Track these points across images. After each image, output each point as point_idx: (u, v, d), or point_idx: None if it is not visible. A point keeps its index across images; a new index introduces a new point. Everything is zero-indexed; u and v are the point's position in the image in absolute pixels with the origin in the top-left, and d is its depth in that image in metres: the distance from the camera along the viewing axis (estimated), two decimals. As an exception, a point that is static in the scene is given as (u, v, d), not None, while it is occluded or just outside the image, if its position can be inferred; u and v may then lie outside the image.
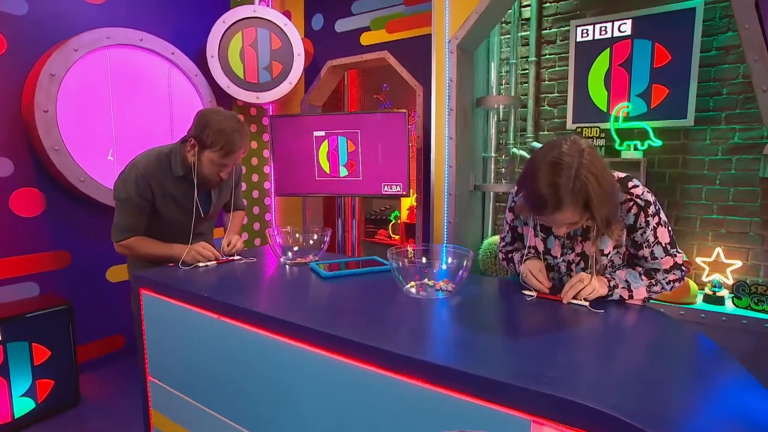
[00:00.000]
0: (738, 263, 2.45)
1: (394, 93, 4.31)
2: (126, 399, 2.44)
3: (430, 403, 0.83)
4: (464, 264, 1.23)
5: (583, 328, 1.05)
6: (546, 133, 3.00)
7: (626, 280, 1.25)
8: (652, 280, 1.27)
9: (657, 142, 2.53)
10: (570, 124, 2.78)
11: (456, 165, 2.71)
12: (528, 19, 2.96)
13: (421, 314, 1.12)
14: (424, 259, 1.37)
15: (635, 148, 2.56)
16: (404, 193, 3.06)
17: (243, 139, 1.63)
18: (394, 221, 4.42)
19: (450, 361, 0.83)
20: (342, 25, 3.48)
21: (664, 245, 1.25)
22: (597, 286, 1.21)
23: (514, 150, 3.03)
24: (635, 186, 1.23)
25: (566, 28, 2.84)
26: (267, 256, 1.82)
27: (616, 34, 2.59)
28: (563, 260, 1.33)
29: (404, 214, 4.29)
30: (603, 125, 2.64)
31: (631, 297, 1.25)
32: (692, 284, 2.43)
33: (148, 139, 2.91)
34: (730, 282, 2.44)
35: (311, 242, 1.78)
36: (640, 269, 1.29)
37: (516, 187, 1.41)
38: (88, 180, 2.60)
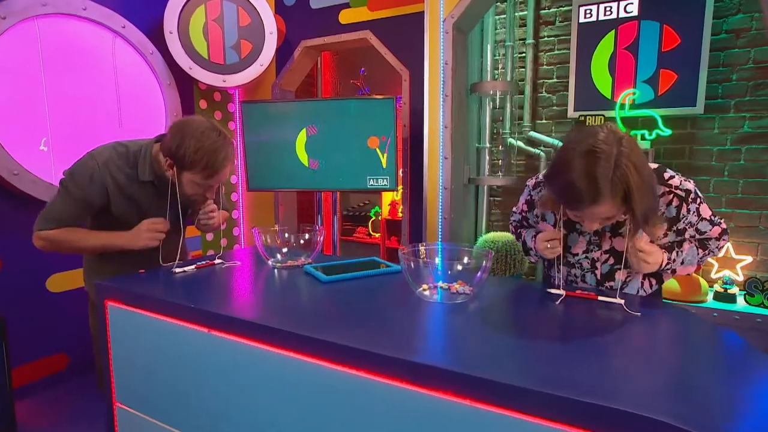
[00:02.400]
0: (748, 259, 2.44)
1: (373, 78, 4.14)
2: (72, 428, 2.19)
3: (468, 419, 0.77)
4: (483, 264, 1.15)
5: (618, 331, 1.01)
6: (544, 121, 2.92)
7: (684, 260, 1.27)
8: (706, 251, 1.30)
9: (666, 131, 2.48)
10: (571, 112, 2.70)
11: (452, 156, 2.59)
12: (525, -2, 2.86)
13: (443, 320, 1.05)
14: (437, 260, 1.29)
15: (642, 138, 2.51)
16: (392, 187, 2.92)
17: (227, 155, 1.45)
18: (374, 218, 4.27)
19: (487, 373, 0.76)
20: (318, 1, 3.27)
21: (708, 218, 1.26)
22: (649, 267, 1.22)
23: (511, 140, 2.93)
24: (671, 176, 1.20)
25: (566, 8, 2.76)
26: (251, 259, 1.67)
27: (622, 14, 2.52)
28: (586, 257, 1.30)
29: (385, 210, 4.14)
30: (607, 113, 2.57)
31: (674, 273, 1.30)
32: (702, 281, 2.40)
33: (91, 127, 2.62)
34: (740, 278, 2.43)
35: (301, 242, 1.64)
36: (695, 242, 1.30)
37: (533, 180, 1.41)
38: (22, 173, 2.32)
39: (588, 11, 2.59)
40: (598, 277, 1.31)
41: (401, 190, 3.26)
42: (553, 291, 1.20)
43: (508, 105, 2.91)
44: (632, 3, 2.49)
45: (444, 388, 0.79)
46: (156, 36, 2.97)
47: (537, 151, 2.90)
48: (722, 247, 1.34)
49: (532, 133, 2.88)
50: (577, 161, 1.04)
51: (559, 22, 2.80)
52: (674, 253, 1.24)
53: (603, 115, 2.54)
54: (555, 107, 2.87)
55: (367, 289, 1.29)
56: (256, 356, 1.03)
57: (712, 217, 1.27)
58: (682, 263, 1.27)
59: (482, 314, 1.09)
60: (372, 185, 2.98)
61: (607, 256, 1.28)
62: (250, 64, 3.20)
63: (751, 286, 2.31)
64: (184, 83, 3.16)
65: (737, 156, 2.46)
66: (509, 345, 0.92)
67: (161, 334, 1.22)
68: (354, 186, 3.00)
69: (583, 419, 0.67)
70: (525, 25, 2.87)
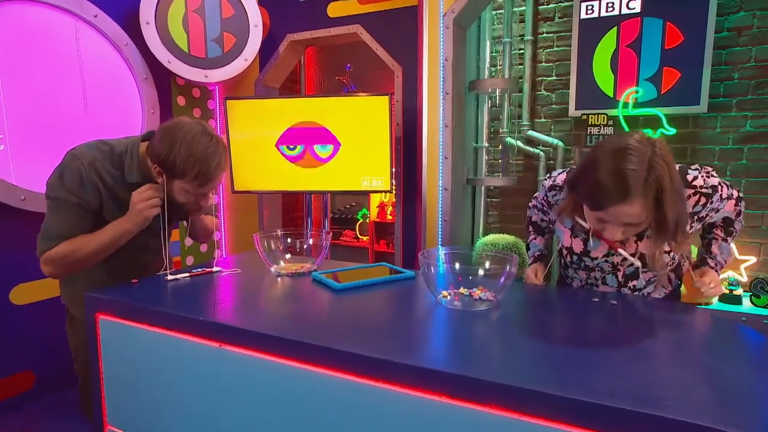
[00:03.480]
0: (752, 259, 2.45)
1: (360, 74, 4.05)
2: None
3: None
4: (507, 269, 1.11)
5: (654, 336, 0.98)
6: (543, 120, 2.88)
7: (724, 260, 1.33)
8: (732, 236, 1.34)
9: (671, 131, 2.47)
10: (573, 111, 2.67)
11: (452, 156, 2.52)
12: (523, -7, 2.82)
13: (474, 329, 1.01)
14: (457, 265, 1.24)
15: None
16: (387, 188, 2.83)
17: (220, 162, 1.35)
18: (361, 220, 4.17)
19: (539, 385, 0.72)
20: (305, -7, 3.16)
21: (726, 196, 1.23)
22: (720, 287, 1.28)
23: (509, 139, 2.88)
24: (694, 178, 1.17)
25: (566, 3, 2.73)
26: (251, 266, 1.59)
27: (624, 11, 2.50)
28: (606, 261, 1.26)
29: (374, 212, 4.05)
30: (610, 112, 2.55)
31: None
32: (707, 283, 2.40)
33: (57, 125, 2.43)
34: (745, 279, 2.44)
35: (305, 247, 1.57)
36: (719, 233, 1.33)
37: (549, 181, 1.36)
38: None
39: (590, 7, 2.57)
40: (620, 278, 1.28)
41: (393, 191, 3.18)
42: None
43: (506, 103, 2.86)
44: (635, -1, 2.48)
45: (493, 403, 0.75)
46: (131, 27, 2.80)
47: (536, 150, 2.86)
48: (742, 222, 1.35)
49: (531, 132, 2.84)
50: (608, 158, 1.02)
51: (558, 18, 2.77)
52: (710, 261, 1.31)
53: (606, 114, 2.52)
54: (554, 106, 2.84)
55: (383, 296, 1.25)
56: (276, 372, 0.96)
57: (728, 191, 1.23)
58: (725, 262, 1.33)
59: (510, 321, 1.07)
60: (366, 186, 2.89)
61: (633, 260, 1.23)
62: (234, 58, 3.05)
63: (756, 287, 2.31)
64: (161, 78, 2.99)
65: (739, 155, 2.47)
66: (545, 353, 0.88)
67: (162, 350, 1.14)
68: (347, 187, 2.90)
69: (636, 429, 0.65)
70: (523, 21, 2.83)
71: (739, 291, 2.40)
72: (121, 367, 1.24)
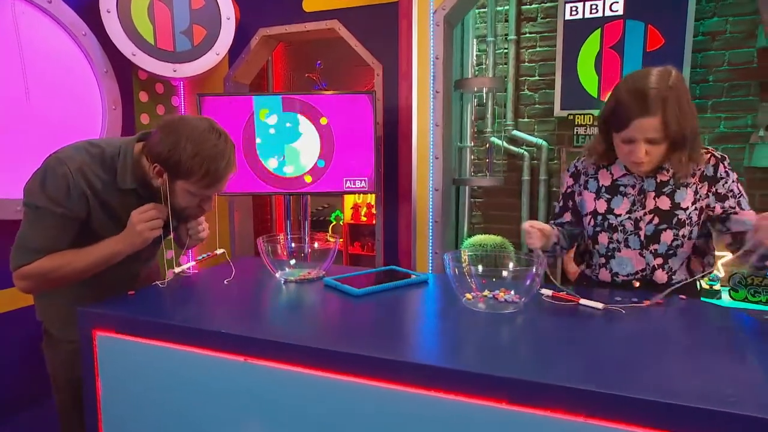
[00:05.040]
0: (729, 255, 2.58)
1: (332, 71, 3.96)
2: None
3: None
4: (534, 271, 1.11)
5: (698, 335, 1.03)
6: (527, 120, 2.92)
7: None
8: None
9: (653, 131, 2.56)
10: (558, 111, 2.73)
11: (442, 156, 2.50)
12: (505, -8, 2.85)
13: (514, 331, 1.03)
14: (480, 267, 1.22)
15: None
16: (371, 188, 2.79)
17: (230, 161, 1.27)
18: (334, 222, 4.09)
19: (606, 387, 0.72)
20: (279, -15, 3.05)
21: (737, 182, 1.30)
22: None
23: (494, 139, 2.90)
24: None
25: (548, 4, 2.78)
26: (253, 272, 1.54)
27: (608, 13, 2.58)
28: (629, 217, 1.32)
29: (348, 214, 3.98)
30: (595, 112, 2.62)
31: None
32: (689, 279, 2.52)
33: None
34: (722, 275, 2.58)
35: (309, 252, 1.54)
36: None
37: (578, 160, 1.45)
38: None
39: (574, 8, 2.63)
40: (642, 238, 1.31)
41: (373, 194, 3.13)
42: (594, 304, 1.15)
43: (490, 103, 2.88)
44: (617, 2, 2.56)
45: (561, 407, 0.74)
46: (90, 15, 2.60)
47: (520, 150, 2.90)
48: None
49: (515, 132, 2.88)
50: (629, 81, 1.19)
51: (541, 18, 2.82)
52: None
53: (591, 114, 2.58)
54: (537, 105, 2.89)
55: (404, 300, 1.24)
56: (308, 384, 0.92)
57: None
58: None
59: (546, 324, 1.07)
60: (349, 187, 2.83)
61: (652, 216, 1.29)
62: (205, 52, 2.90)
63: (735, 282, 2.45)
64: (124, 71, 2.80)
65: (714, 155, 2.61)
66: (596, 355, 0.89)
67: (174, 367, 1.08)
68: (329, 188, 2.83)
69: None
70: (506, 21, 2.86)
71: (718, 286, 2.53)
72: (123, 389, 1.16)
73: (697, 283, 1.38)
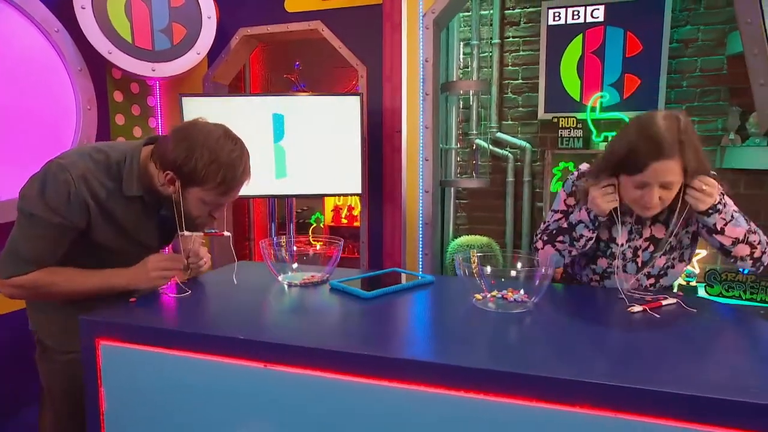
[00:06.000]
0: (703, 252, 2.73)
1: (311, 73, 3.93)
2: None
3: None
4: (543, 272, 1.14)
5: (711, 332, 1.06)
6: (510, 122, 2.99)
7: (733, 215, 1.25)
8: (752, 230, 1.27)
9: (633, 134, 2.67)
10: (542, 114, 2.80)
11: (432, 158, 2.53)
12: (489, -4, 2.91)
13: (527, 330, 1.06)
14: (488, 268, 1.23)
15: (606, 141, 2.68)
16: (357, 191, 2.79)
17: (246, 168, 1.26)
18: (315, 225, 4.06)
19: (633, 381, 0.75)
20: (261, -16, 3.02)
21: (743, 215, 1.28)
22: (707, 201, 1.23)
23: (478, 141, 2.95)
24: None
25: (530, 9, 2.86)
26: (247, 276, 1.50)
27: (589, 19, 2.68)
28: (629, 246, 1.36)
29: (328, 217, 3.96)
30: (579, 115, 2.71)
31: (722, 231, 1.25)
32: (667, 275, 2.63)
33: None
34: (698, 271, 2.71)
35: (311, 255, 1.51)
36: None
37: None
38: None
39: (557, 14, 2.71)
40: (639, 264, 1.37)
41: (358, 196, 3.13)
42: (634, 310, 1.16)
43: (475, 105, 2.93)
44: (598, 9, 2.66)
45: (588, 402, 0.77)
46: (63, 11, 2.49)
47: (504, 152, 2.97)
48: (764, 251, 1.30)
49: (500, 134, 2.94)
50: (642, 127, 1.18)
51: (524, 23, 2.89)
52: (721, 198, 1.26)
53: (575, 117, 2.67)
54: (521, 108, 2.96)
55: (414, 302, 1.25)
56: (327, 388, 0.92)
57: (744, 216, 1.28)
58: (732, 218, 1.25)
59: (560, 321, 1.10)
60: (336, 190, 2.82)
61: (648, 243, 1.35)
62: (185, 51, 2.83)
63: (710, 278, 2.58)
64: (98, 70, 2.70)
65: (688, 157, 2.74)
66: (616, 351, 0.93)
67: (187, 376, 1.05)
68: (315, 191, 2.81)
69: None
70: (490, 24, 2.92)
71: (694, 282, 2.66)
72: (128, 399, 1.12)
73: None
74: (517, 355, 0.91)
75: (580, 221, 1.38)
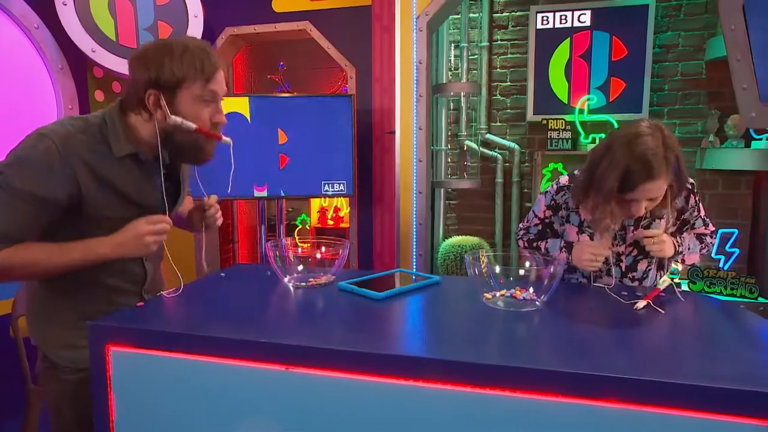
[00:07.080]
0: (685, 250, 2.82)
1: (296, 73, 3.90)
2: None
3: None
4: (551, 271, 1.16)
5: (719, 327, 1.12)
6: (499, 124, 3.04)
7: (689, 247, 1.46)
8: (703, 244, 1.50)
9: (620, 136, 2.75)
10: (531, 116, 2.86)
11: (426, 159, 2.55)
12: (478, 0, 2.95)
13: (543, 326, 1.08)
14: (497, 268, 1.26)
15: (594, 142, 2.75)
16: (349, 192, 2.80)
17: (218, 57, 1.22)
18: (300, 226, 4.03)
19: (658, 375, 0.78)
20: (248, -17, 2.99)
21: (703, 218, 1.48)
22: (667, 250, 1.38)
23: (468, 142, 2.99)
24: None
25: (519, 12, 2.91)
26: (256, 277, 1.50)
27: (576, 24, 2.74)
28: (613, 252, 1.41)
29: (314, 218, 3.93)
30: (567, 117, 2.78)
31: (683, 261, 1.49)
32: (652, 273, 2.72)
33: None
34: (680, 267, 2.80)
35: (318, 257, 1.49)
36: (692, 234, 1.50)
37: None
38: None
39: (545, 18, 2.77)
40: (623, 269, 1.44)
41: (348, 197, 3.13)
42: (639, 306, 1.21)
43: (464, 107, 2.97)
44: (585, 14, 2.73)
45: (614, 397, 0.78)
46: (44, 7, 2.41)
47: (493, 153, 3.01)
48: (713, 244, 1.55)
49: (489, 136, 2.99)
50: (628, 146, 1.20)
51: (512, 26, 2.95)
52: (678, 239, 1.43)
53: (563, 119, 2.73)
54: (509, 110, 3.01)
55: (424, 301, 1.26)
56: (352, 390, 0.92)
57: (705, 218, 1.49)
58: (688, 249, 1.46)
59: (570, 319, 1.13)
60: (327, 191, 2.81)
61: (631, 248, 1.42)
62: (171, 50, 2.77)
63: (693, 275, 2.68)
64: (77, 69, 2.62)
65: (670, 158, 2.84)
66: (634, 346, 0.95)
67: (205, 381, 1.02)
68: (307, 192, 2.80)
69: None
70: (478, 27, 2.96)
71: (678, 279, 2.75)
72: (140, 406, 1.08)
73: (658, 277, 1.48)
74: (534, 351, 0.93)
75: (557, 242, 1.52)
